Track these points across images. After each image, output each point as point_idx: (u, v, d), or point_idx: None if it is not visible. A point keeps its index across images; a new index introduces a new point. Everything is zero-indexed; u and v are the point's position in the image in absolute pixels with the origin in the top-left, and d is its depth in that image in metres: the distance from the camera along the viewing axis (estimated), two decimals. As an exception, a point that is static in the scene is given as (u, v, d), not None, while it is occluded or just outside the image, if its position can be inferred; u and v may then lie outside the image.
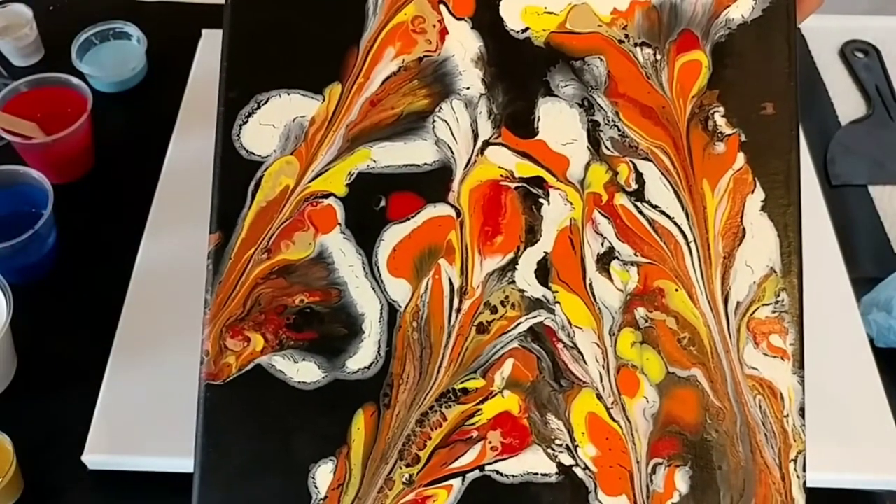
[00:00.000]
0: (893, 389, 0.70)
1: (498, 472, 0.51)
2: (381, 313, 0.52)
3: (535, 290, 0.53)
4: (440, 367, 0.52)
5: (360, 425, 0.51)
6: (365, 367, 0.52)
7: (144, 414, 0.65)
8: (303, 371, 0.52)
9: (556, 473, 0.51)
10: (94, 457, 0.64)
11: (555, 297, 0.53)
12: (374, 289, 0.52)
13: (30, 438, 0.66)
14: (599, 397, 0.52)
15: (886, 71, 1.00)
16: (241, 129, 0.54)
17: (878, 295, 0.76)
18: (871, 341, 0.74)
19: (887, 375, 0.71)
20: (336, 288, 0.52)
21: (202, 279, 0.69)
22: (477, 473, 0.51)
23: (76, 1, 0.98)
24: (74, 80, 0.83)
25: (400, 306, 0.52)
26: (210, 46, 0.89)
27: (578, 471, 0.51)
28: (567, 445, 0.51)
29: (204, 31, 0.91)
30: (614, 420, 0.52)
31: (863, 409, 0.69)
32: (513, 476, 0.51)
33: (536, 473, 0.51)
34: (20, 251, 0.72)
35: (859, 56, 1.02)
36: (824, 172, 0.89)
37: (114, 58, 0.91)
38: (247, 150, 0.54)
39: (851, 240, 0.83)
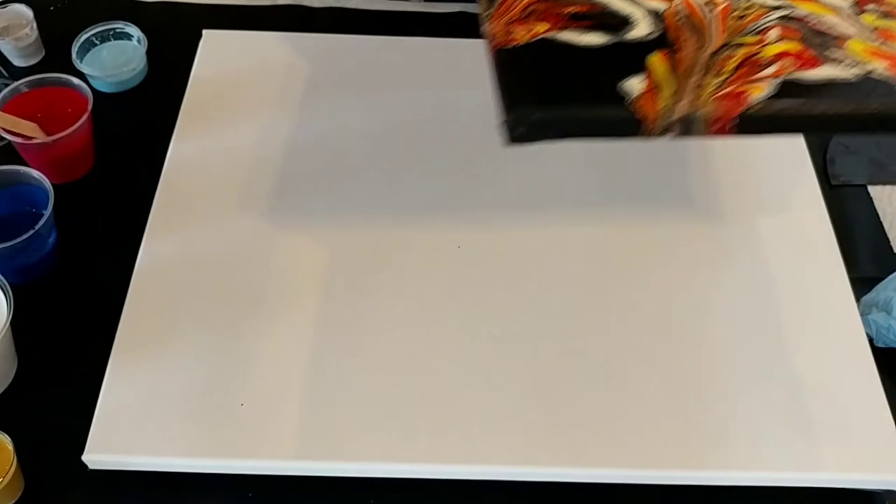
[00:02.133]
0: (893, 389, 0.69)
1: (801, 78, 0.52)
2: (646, 14, 0.57)
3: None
4: (714, 32, 0.56)
5: (657, 61, 0.53)
6: (645, 36, 0.55)
7: (144, 414, 0.65)
8: (588, 38, 0.54)
9: (855, 78, 0.53)
10: (94, 457, 0.63)
11: (790, 4, 0.59)
12: (632, 4, 0.58)
13: (30, 438, 0.65)
14: (866, 40, 0.56)
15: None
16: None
17: (877, 295, 0.75)
18: (871, 341, 0.72)
19: (887, 375, 0.69)
20: (600, 4, 0.58)
21: (202, 279, 0.73)
22: (783, 79, 0.52)
23: (76, 1, 0.97)
24: (75, 80, 0.81)
25: (660, 11, 0.57)
26: (210, 46, 0.89)
27: (875, 75, 0.53)
28: (856, 63, 0.54)
29: (204, 32, 0.90)
30: (888, 47, 0.55)
31: (862, 408, 0.68)
32: (816, 79, 0.52)
33: (836, 78, 0.53)
34: (20, 251, 0.71)
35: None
36: (824, 172, 0.87)
37: (114, 58, 0.89)
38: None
39: (851, 240, 0.82)
